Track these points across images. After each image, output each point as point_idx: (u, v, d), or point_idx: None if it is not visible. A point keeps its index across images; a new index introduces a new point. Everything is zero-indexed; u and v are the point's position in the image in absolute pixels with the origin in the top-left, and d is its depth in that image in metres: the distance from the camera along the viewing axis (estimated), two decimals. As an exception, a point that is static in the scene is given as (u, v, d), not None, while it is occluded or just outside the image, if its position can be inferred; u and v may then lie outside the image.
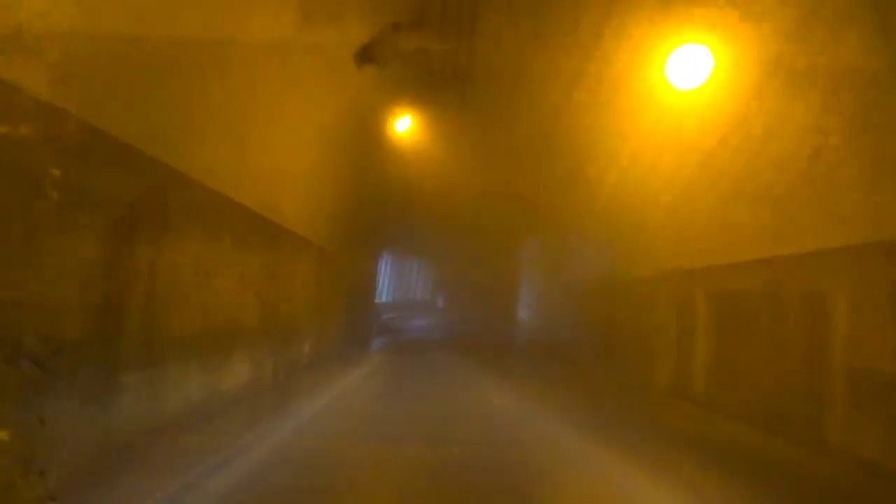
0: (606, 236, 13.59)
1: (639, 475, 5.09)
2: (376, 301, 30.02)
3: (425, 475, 4.79)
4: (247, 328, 6.59)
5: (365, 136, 10.67)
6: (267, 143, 6.89)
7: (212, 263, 5.44)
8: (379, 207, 16.26)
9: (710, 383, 8.94)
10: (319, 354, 10.53)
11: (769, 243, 7.61)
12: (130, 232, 3.93)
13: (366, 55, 7.98)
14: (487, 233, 23.18)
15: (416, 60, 9.00)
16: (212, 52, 5.11)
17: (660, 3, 7.55)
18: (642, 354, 11.76)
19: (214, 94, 5.31)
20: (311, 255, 9.81)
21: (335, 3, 7.46)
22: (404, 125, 10.98)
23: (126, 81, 3.88)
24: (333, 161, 10.20)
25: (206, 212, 5.27)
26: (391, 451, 5.44)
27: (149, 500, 3.58)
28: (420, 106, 10.86)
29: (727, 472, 5.27)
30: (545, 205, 16.98)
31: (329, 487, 4.35)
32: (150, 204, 4.19)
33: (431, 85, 10.10)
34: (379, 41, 7.96)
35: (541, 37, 8.81)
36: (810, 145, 6.58)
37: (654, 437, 6.71)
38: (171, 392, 4.62)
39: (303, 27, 6.56)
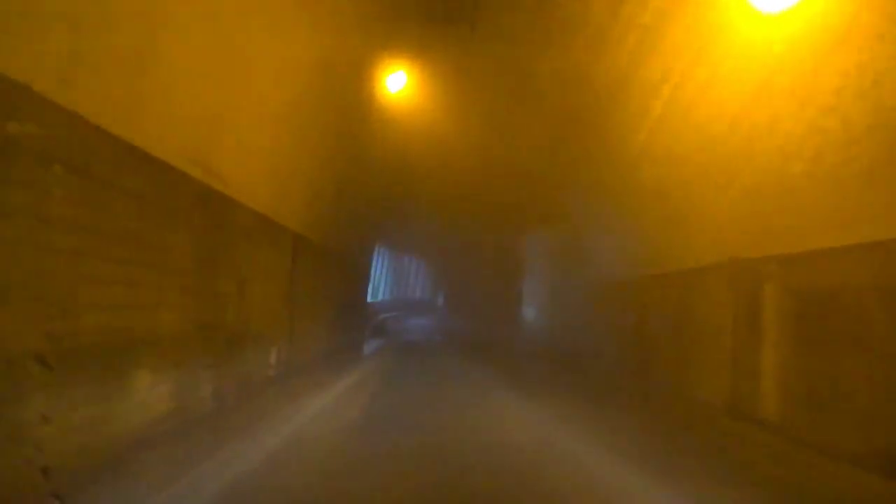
0: (638, 222, 11.63)
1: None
2: (370, 299, 28.20)
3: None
4: (164, 336, 4.60)
5: (351, 95, 8.69)
6: (204, 77, 4.90)
7: (84, 236, 3.47)
8: (371, 192, 14.29)
9: (787, 405, 6.98)
10: (292, 364, 8.56)
11: (879, 223, 5.65)
12: None
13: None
14: (493, 222, 21.19)
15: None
16: None
17: None
18: (684, 365, 9.80)
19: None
20: (280, 242, 7.83)
21: None
22: (397, 83, 8.97)
23: None
24: (312, 125, 8.22)
25: (68, 151, 3.29)
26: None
27: None
28: (417, 58, 8.86)
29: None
30: (563, 187, 15.01)
31: None
32: None
33: (431, 22, 8.10)
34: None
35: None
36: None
37: (755, 491, 4.75)
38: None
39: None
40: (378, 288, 30.26)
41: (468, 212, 20.49)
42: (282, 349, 8.01)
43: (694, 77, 7.75)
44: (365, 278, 20.90)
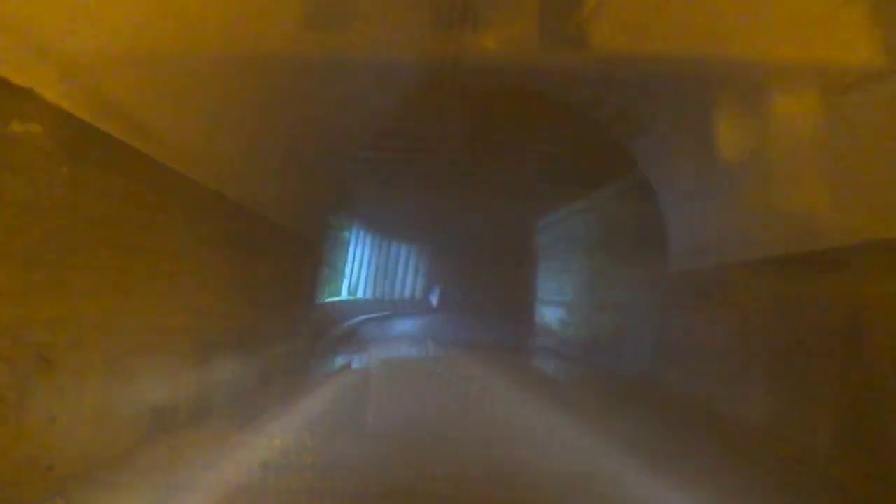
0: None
1: None
2: (346, 297, 22.16)
3: None
4: None
5: None
6: None
7: None
8: (336, 145, 8.36)
9: None
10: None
11: None
12: None
13: None
14: (511, 194, 15.23)
15: None
16: None
17: None
18: None
19: None
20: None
21: None
22: None
23: None
24: None
25: None
26: None
27: None
28: None
29: None
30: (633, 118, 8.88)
31: None
32: None
33: None
34: None
35: None
36: None
37: None
38: None
39: None
40: (358, 283, 24.13)
41: (476, 178, 14.62)
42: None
43: None
44: (324, 267, 14.83)
